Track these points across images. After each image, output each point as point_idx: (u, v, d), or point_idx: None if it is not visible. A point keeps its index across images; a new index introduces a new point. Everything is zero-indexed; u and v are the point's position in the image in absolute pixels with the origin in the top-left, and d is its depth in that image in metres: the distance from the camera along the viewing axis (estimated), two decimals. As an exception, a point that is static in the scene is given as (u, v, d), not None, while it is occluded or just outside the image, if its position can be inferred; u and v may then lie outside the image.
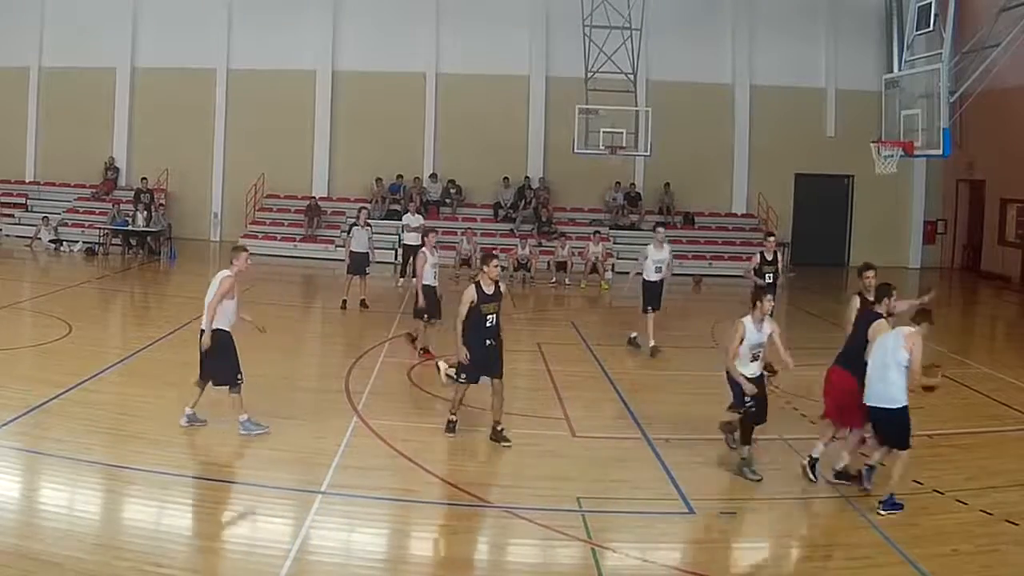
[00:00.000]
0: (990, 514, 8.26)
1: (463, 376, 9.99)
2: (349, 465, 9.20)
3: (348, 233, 18.91)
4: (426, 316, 13.93)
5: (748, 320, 9.17)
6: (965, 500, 8.61)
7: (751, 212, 28.98)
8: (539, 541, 7.79)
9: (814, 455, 9.06)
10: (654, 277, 14.95)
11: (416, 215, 22.41)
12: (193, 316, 17.02)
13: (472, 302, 9.84)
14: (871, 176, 19.69)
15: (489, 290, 9.93)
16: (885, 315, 9.09)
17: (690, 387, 13.50)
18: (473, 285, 10.00)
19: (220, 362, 9.82)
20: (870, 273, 10.58)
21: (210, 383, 9.95)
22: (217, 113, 29.10)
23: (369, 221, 18.91)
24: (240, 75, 28.89)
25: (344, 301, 18.21)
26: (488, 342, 9.89)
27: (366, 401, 11.50)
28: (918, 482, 9.05)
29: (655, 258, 14.97)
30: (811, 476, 8.98)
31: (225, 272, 9.96)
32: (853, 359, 8.90)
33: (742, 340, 9.07)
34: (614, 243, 26.82)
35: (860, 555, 7.59)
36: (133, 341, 14.67)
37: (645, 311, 14.91)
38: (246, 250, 10.50)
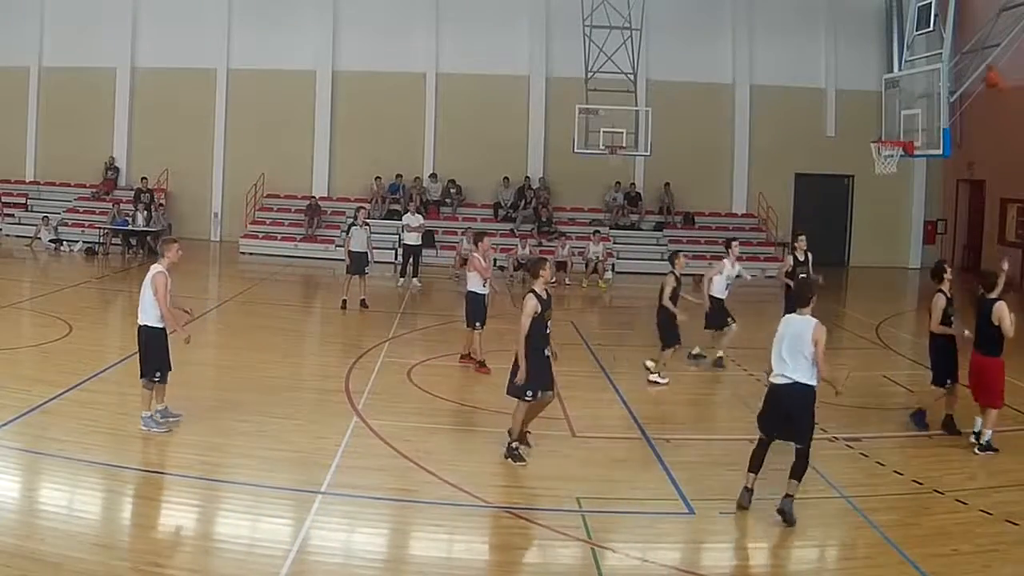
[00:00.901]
0: (990, 514, 8.26)
1: (528, 393, 9.32)
2: (349, 465, 9.20)
3: (347, 233, 18.92)
4: (477, 324, 13.24)
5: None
6: (965, 500, 8.60)
7: (751, 212, 28.99)
8: (539, 541, 7.79)
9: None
10: (724, 294, 14.25)
11: (416, 215, 22.46)
12: (193, 316, 17.15)
13: (536, 311, 9.27)
14: (871, 176, 19.69)
15: (544, 295, 9.50)
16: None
17: (690, 387, 13.51)
18: (532, 293, 9.38)
19: (145, 355, 9.83)
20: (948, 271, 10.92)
21: (164, 375, 9.98)
22: (217, 113, 29.12)
23: (368, 221, 18.92)
24: (240, 75, 28.90)
25: (344, 301, 18.19)
26: (546, 352, 9.43)
27: (366, 401, 11.49)
28: (918, 482, 9.06)
29: (728, 274, 14.27)
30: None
31: (157, 267, 9.92)
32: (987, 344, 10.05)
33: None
34: (614, 243, 26.84)
35: (860, 555, 7.59)
36: (133, 341, 14.60)
37: (711, 327, 14.32)
38: (176, 241, 10.52)
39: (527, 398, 9.32)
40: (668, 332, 13.24)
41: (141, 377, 9.85)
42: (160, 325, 9.86)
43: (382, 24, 28.66)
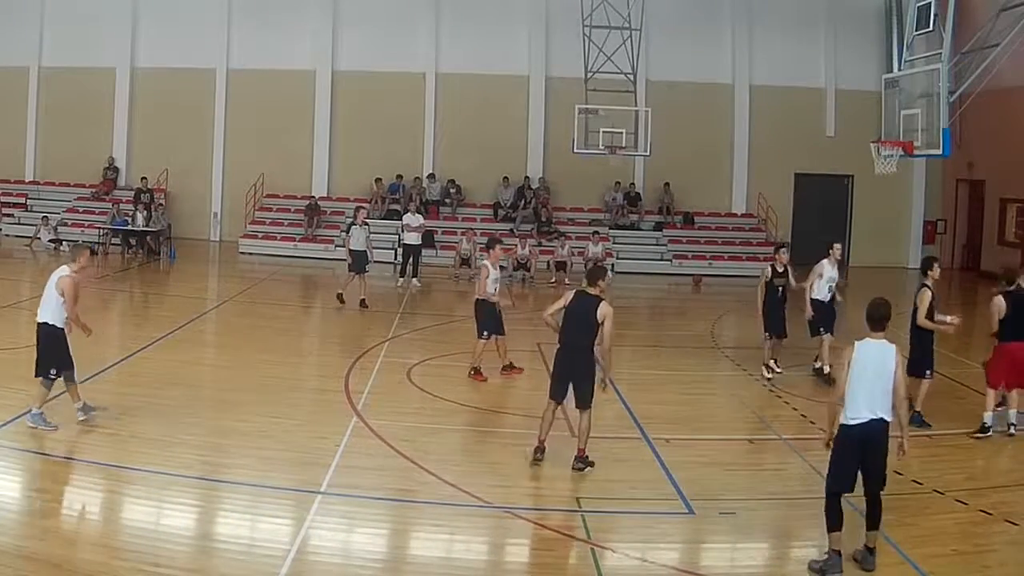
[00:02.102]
0: (990, 514, 8.26)
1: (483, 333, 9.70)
2: (349, 465, 9.20)
3: (347, 232, 19.08)
4: (486, 333, 12.85)
5: None
6: (965, 500, 8.60)
7: (751, 212, 28.98)
8: (539, 541, 7.79)
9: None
10: (826, 296, 13.61)
11: (416, 215, 22.52)
12: (193, 316, 17.21)
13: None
14: (871, 176, 19.67)
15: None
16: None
17: (690, 387, 13.51)
18: (604, 301, 9.19)
19: (44, 354, 9.82)
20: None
21: (71, 372, 9.95)
22: (217, 113, 29.09)
23: (367, 220, 19.13)
24: (240, 75, 28.88)
25: (340, 294, 18.34)
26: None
27: (366, 401, 11.49)
28: (918, 482, 9.06)
29: (829, 275, 13.65)
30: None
31: (64, 271, 9.86)
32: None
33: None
34: (613, 243, 26.84)
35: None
36: (133, 341, 14.65)
37: (817, 333, 13.62)
38: (88, 248, 10.49)
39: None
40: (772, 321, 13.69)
41: (36, 375, 9.84)
42: (61, 325, 9.86)
43: (382, 24, 28.64)
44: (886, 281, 27.24)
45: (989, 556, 7.50)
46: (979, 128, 24.98)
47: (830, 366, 12.82)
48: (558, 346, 9.32)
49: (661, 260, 26.82)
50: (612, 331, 9.08)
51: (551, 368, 9.44)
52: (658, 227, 28.22)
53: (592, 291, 9.29)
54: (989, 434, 10.56)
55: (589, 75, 24.55)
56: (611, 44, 24.79)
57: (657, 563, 7.36)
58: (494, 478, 9.00)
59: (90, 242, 25.41)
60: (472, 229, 25.08)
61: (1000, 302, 10.71)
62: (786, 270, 13.79)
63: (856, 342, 7.32)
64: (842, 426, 7.18)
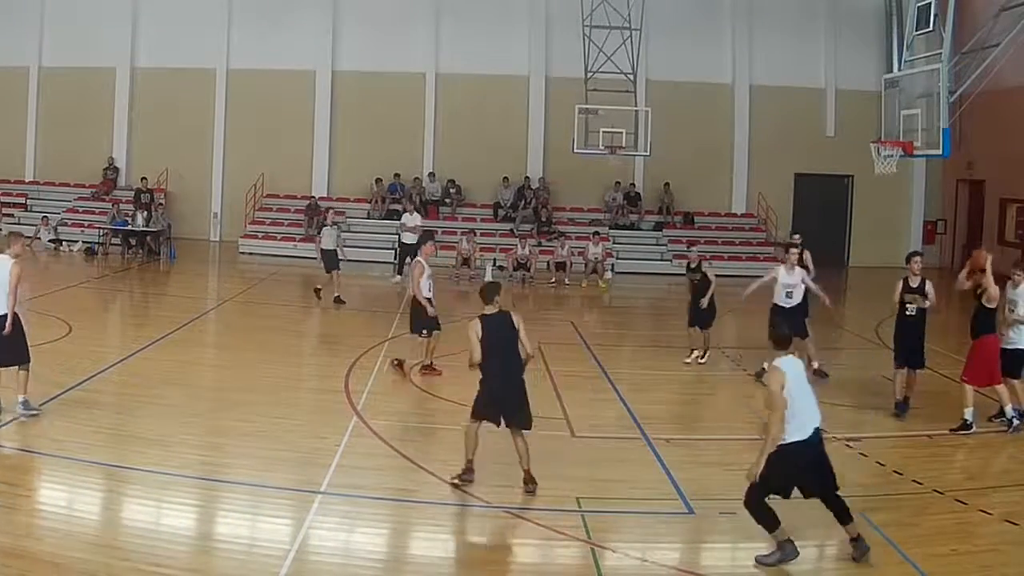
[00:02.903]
0: (990, 514, 8.26)
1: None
2: (349, 465, 9.20)
3: (319, 232, 19.82)
4: (424, 331, 12.82)
5: None
6: (965, 500, 8.60)
7: (751, 212, 28.98)
8: (539, 541, 7.79)
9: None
10: (784, 303, 13.26)
11: (414, 214, 22.60)
12: (193, 316, 17.21)
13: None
14: (871, 176, 19.67)
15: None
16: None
17: (690, 387, 13.51)
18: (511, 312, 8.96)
19: (7, 343, 9.87)
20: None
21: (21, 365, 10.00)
22: (217, 113, 29.09)
23: (336, 220, 20.29)
24: (240, 75, 28.88)
25: (317, 289, 18.90)
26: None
27: (366, 401, 11.49)
28: (918, 482, 9.06)
29: (785, 282, 13.34)
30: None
31: (7, 257, 10.07)
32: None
33: None
34: (614, 243, 26.83)
35: (860, 555, 7.58)
36: (133, 341, 14.66)
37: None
38: (23, 235, 10.80)
39: None
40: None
41: (6, 365, 9.99)
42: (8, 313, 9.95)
43: (382, 24, 28.64)
44: (886, 281, 27.15)
45: (989, 556, 7.49)
46: (979, 128, 24.97)
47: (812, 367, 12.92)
48: (491, 376, 8.64)
49: (661, 260, 26.81)
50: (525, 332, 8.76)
51: (491, 397, 8.68)
52: (658, 227, 28.21)
53: (492, 309, 8.75)
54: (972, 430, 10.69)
55: (589, 75, 24.56)
56: (611, 44, 24.81)
57: (657, 563, 7.37)
58: (494, 478, 9.00)
59: (90, 242, 25.65)
60: (472, 229, 25.08)
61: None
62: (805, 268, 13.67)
63: (778, 362, 7.27)
64: (792, 444, 7.13)
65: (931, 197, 29.28)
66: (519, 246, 24.49)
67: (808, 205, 28.94)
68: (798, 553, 7.21)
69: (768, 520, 7.26)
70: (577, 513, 8.18)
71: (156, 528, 7.62)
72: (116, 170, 29.22)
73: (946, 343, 14.86)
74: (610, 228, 27.36)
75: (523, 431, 8.73)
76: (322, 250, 19.12)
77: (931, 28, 17.49)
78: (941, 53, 16.84)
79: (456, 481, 8.63)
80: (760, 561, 7.26)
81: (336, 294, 18.62)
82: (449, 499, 8.49)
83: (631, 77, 24.99)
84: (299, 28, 28.69)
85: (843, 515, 7.31)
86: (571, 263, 24.04)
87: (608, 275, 24.09)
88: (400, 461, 9.34)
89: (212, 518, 8.05)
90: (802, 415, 7.16)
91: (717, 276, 14.54)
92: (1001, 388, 10.74)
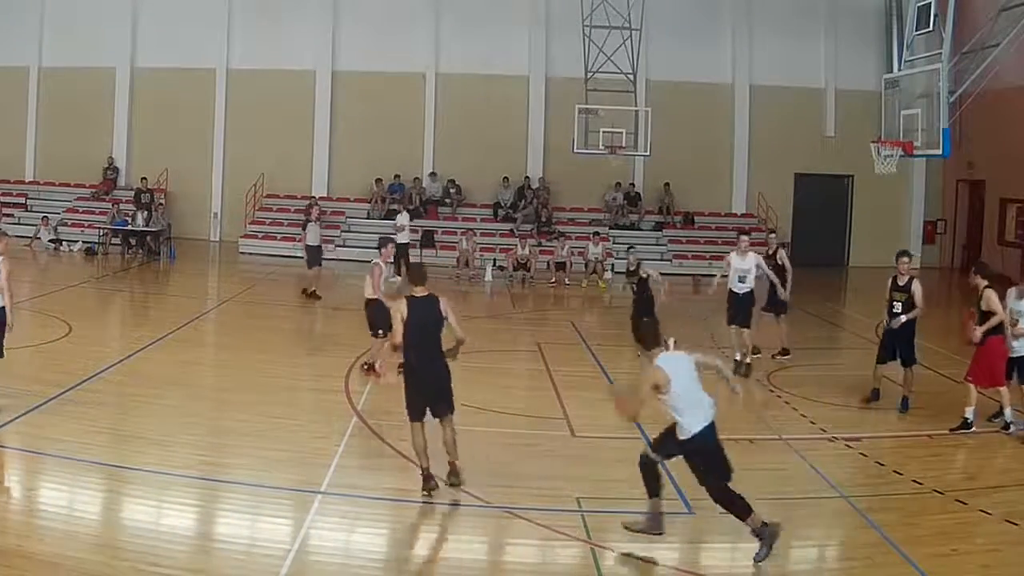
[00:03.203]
0: (990, 514, 8.26)
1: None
2: (349, 465, 9.20)
3: (303, 229, 20.23)
4: (380, 332, 12.36)
5: None
6: (965, 500, 8.60)
7: (751, 212, 28.98)
8: (539, 541, 7.79)
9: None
10: (737, 288, 13.70)
11: (403, 213, 22.95)
12: (193, 316, 17.21)
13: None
14: (871, 176, 19.69)
15: None
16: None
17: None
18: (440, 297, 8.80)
19: None
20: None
21: None
22: (217, 113, 29.10)
23: (320, 217, 20.70)
24: (240, 75, 28.89)
25: (305, 289, 19.21)
26: None
27: (366, 401, 11.49)
28: (918, 482, 9.06)
29: (737, 267, 13.71)
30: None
31: None
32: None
33: None
34: (613, 243, 26.82)
35: (860, 555, 7.58)
36: (133, 341, 14.66)
37: (729, 324, 13.80)
38: (5, 234, 10.77)
39: None
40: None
41: None
42: None
43: (382, 24, 28.63)
44: (885, 281, 27.23)
45: (989, 556, 7.49)
46: (979, 128, 24.97)
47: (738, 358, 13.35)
48: (413, 364, 8.44)
49: (661, 260, 26.79)
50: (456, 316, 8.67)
51: (415, 390, 8.47)
52: (658, 227, 28.22)
53: (421, 292, 8.56)
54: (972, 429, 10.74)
55: (589, 75, 24.56)
56: (611, 44, 24.81)
57: (657, 563, 7.36)
58: (494, 478, 8.99)
59: (90, 242, 25.65)
60: (472, 229, 25.09)
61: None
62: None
63: (660, 360, 7.21)
64: (700, 432, 7.17)
65: (931, 197, 29.29)
66: (519, 246, 24.50)
67: (808, 205, 28.96)
68: (778, 532, 7.22)
69: (739, 508, 7.24)
70: (577, 513, 8.18)
71: (156, 528, 7.62)
72: (116, 170, 29.23)
73: (946, 343, 14.87)
74: (610, 228, 27.38)
75: (449, 417, 8.56)
76: (307, 246, 19.47)
77: (931, 28, 17.51)
78: (941, 53, 16.85)
79: (424, 494, 8.38)
80: (758, 560, 7.25)
81: (312, 288, 19.04)
82: (449, 499, 8.48)
83: (631, 77, 24.99)
84: (299, 28, 28.70)
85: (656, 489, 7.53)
86: (571, 263, 24.05)
87: (608, 275, 24.10)
88: (400, 461, 9.32)
89: (212, 518, 8.04)
90: (695, 409, 7.16)
91: (723, 276, 14.41)
92: (1004, 390, 10.73)
